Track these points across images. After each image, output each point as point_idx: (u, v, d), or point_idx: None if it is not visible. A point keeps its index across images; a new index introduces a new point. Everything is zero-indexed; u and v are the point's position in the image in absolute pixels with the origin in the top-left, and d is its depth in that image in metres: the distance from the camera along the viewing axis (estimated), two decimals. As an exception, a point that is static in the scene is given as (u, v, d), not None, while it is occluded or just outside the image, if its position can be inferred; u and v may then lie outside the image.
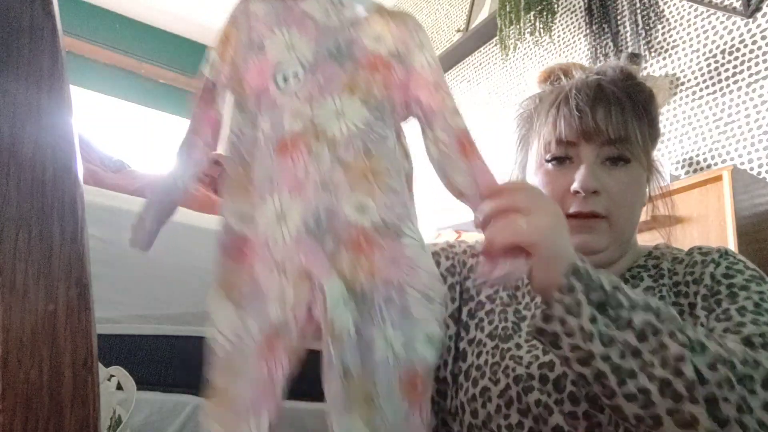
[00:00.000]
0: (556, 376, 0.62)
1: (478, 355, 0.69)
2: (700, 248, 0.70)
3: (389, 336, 0.45)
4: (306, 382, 0.79)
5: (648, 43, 1.89)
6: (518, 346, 0.67)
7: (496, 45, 2.44)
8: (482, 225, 0.52)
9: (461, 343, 0.71)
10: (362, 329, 0.45)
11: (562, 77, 0.76)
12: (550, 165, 0.70)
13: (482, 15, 2.62)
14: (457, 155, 0.56)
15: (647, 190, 0.73)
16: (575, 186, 0.65)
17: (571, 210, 0.66)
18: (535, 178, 0.72)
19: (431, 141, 0.57)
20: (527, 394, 0.63)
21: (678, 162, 1.72)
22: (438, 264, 0.75)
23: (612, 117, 0.66)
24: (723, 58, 1.66)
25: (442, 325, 0.46)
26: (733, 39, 1.64)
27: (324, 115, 0.54)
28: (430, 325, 0.46)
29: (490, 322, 0.71)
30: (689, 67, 1.75)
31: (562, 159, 0.69)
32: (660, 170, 0.74)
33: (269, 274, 0.47)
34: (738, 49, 1.63)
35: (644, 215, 0.72)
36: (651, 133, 0.71)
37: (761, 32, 1.58)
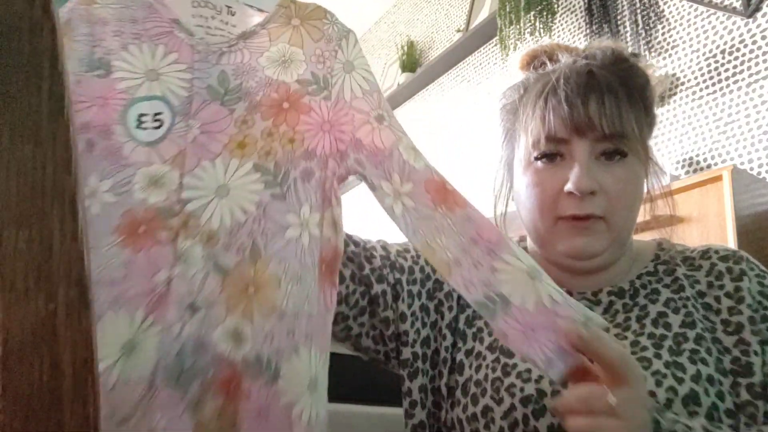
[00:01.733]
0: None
1: (477, 368, 0.62)
2: (716, 251, 0.64)
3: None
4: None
5: (648, 43, 1.89)
6: (524, 359, 0.59)
7: (496, 45, 2.44)
8: (564, 409, 0.43)
9: (458, 354, 0.65)
10: None
11: (547, 62, 0.68)
12: (539, 163, 0.63)
13: (482, 15, 2.62)
14: (432, 208, 0.44)
15: (646, 184, 0.67)
16: (570, 187, 0.59)
17: (567, 213, 0.60)
18: (523, 177, 0.65)
19: (390, 196, 0.44)
20: (538, 419, 0.55)
21: (678, 162, 1.72)
22: (432, 270, 0.69)
23: (606, 108, 0.59)
24: (723, 58, 1.66)
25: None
26: (733, 39, 1.64)
27: (199, 191, 0.39)
28: None
29: (490, 333, 0.64)
30: (689, 67, 1.75)
31: (552, 156, 0.62)
32: (657, 162, 0.68)
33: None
34: (738, 49, 1.63)
35: (643, 215, 0.67)
36: (647, 120, 0.65)
37: (761, 32, 1.58)
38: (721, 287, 0.61)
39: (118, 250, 0.36)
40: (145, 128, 0.39)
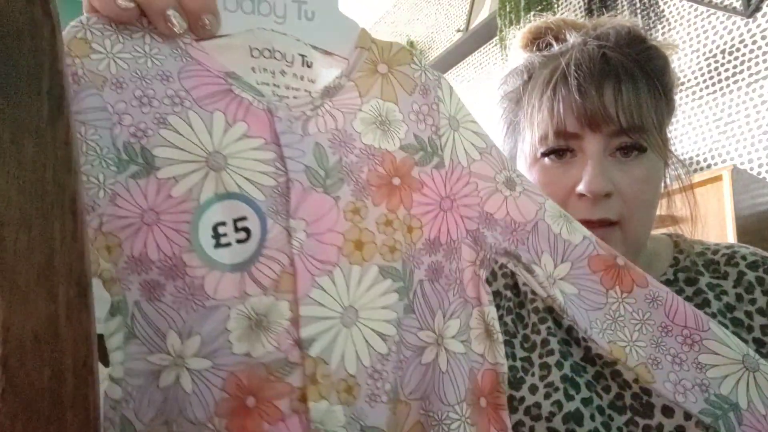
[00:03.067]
0: (587, 431, 0.49)
1: None
2: (743, 256, 0.57)
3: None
4: None
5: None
6: (533, 390, 0.52)
7: (496, 45, 2.44)
8: None
9: None
10: None
11: (554, 42, 0.60)
12: (546, 160, 0.56)
13: (482, 15, 2.62)
14: (602, 292, 0.33)
15: (664, 181, 0.59)
16: (582, 189, 0.52)
17: (578, 217, 0.51)
18: (528, 174, 0.57)
19: (546, 284, 0.33)
20: None
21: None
22: None
23: (623, 98, 0.52)
24: (723, 58, 1.66)
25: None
26: (733, 39, 1.64)
27: (323, 322, 0.27)
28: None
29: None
30: (689, 67, 1.75)
31: (561, 152, 0.55)
32: (676, 155, 0.60)
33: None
34: (738, 49, 1.63)
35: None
36: (667, 108, 0.58)
37: (761, 32, 1.58)
38: (753, 302, 0.54)
39: None
40: (226, 244, 0.26)
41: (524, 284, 0.62)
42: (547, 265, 0.34)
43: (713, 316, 0.54)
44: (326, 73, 0.32)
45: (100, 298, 0.25)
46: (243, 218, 0.26)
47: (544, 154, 0.56)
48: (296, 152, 0.28)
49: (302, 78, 0.31)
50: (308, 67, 0.31)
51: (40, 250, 0.23)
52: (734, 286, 0.56)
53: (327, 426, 0.26)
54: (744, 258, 0.57)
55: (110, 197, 0.26)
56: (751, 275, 0.56)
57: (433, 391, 0.29)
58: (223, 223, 0.27)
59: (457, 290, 0.32)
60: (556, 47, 0.60)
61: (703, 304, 0.55)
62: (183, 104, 0.27)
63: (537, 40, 0.63)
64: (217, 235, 0.26)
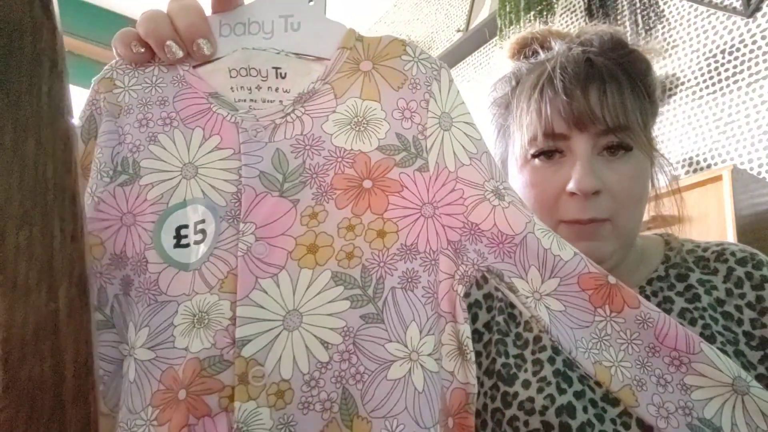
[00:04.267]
0: (579, 424, 0.50)
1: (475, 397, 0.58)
2: (732, 252, 0.59)
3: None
4: None
5: (648, 43, 1.89)
6: (526, 385, 0.54)
7: (496, 45, 2.44)
8: None
9: None
10: None
11: (540, 50, 0.62)
12: (536, 161, 0.57)
13: (482, 15, 2.62)
14: (590, 310, 0.32)
15: (651, 179, 0.61)
16: (572, 187, 0.53)
17: (569, 217, 0.55)
18: (519, 176, 0.59)
19: (531, 299, 0.32)
20: None
21: (678, 162, 1.72)
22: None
23: (608, 99, 0.54)
24: (723, 58, 1.66)
25: None
26: (733, 39, 1.64)
27: (260, 324, 0.27)
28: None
29: (487, 356, 0.58)
30: (689, 67, 1.75)
31: (550, 153, 0.57)
32: (662, 154, 0.62)
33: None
34: (738, 49, 1.63)
35: (646, 213, 0.62)
36: (651, 110, 0.59)
37: (761, 32, 1.58)
38: (742, 296, 0.56)
39: (154, 430, 0.25)
40: (185, 245, 0.28)
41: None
42: (534, 280, 0.32)
43: (704, 310, 0.56)
44: (301, 80, 0.33)
45: None
46: (202, 221, 0.28)
47: (534, 156, 0.57)
48: (254, 159, 0.30)
49: (277, 89, 0.33)
50: (282, 78, 0.33)
51: (40, 249, 0.23)
52: (724, 282, 0.58)
53: (251, 427, 0.25)
54: (733, 254, 0.59)
55: (95, 204, 0.29)
56: (740, 271, 0.57)
57: (405, 411, 0.27)
58: (186, 226, 0.29)
59: (433, 304, 0.30)
60: (542, 54, 0.62)
61: (694, 299, 0.57)
62: (172, 124, 0.31)
63: (523, 50, 0.65)
64: (178, 236, 0.29)
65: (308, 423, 0.26)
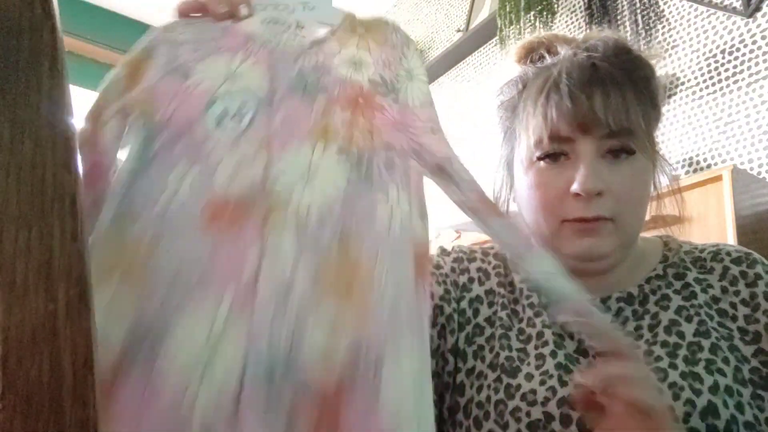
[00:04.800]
0: (580, 415, 0.52)
1: (479, 389, 0.58)
2: (728, 252, 0.62)
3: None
4: None
5: (648, 43, 1.89)
6: (528, 377, 0.56)
7: (496, 45, 2.44)
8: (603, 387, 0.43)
9: (459, 375, 0.61)
10: None
11: (546, 55, 0.64)
12: (541, 163, 0.60)
13: (482, 15, 2.62)
14: (487, 212, 0.44)
15: (653, 182, 0.63)
16: (576, 188, 0.56)
17: (573, 215, 0.57)
18: (524, 178, 0.62)
19: (461, 202, 0.45)
20: None
21: (678, 162, 1.72)
22: (432, 294, 0.64)
23: (611, 103, 0.56)
24: (723, 58, 1.66)
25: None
26: (733, 39, 1.64)
27: (285, 175, 0.37)
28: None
29: (491, 350, 0.61)
30: (689, 67, 1.75)
31: (555, 155, 0.59)
32: (664, 157, 0.64)
33: None
34: (738, 49, 1.63)
35: (648, 213, 0.64)
36: (654, 114, 0.61)
37: (761, 32, 1.58)
38: (737, 293, 0.58)
39: (201, 236, 0.33)
40: (225, 124, 0.39)
41: (520, 282, 0.66)
42: (456, 189, 0.45)
43: (699, 307, 0.58)
44: (315, 32, 0.46)
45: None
46: (242, 107, 0.39)
47: (539, 158, 0.60)
48: (283, 72, 0.42)
49: (296, 36, 0.46)
50: (301, 29, 0.46)
51: (39, 250, 0.23)
52: (719, 280, 0.60)
53: (277, 242, 0.35)
54: (729, 254, 0.62)
55: (158, 80, 0.40)
56: (735, 269, 0.60)
57: (385, 238, 0.38)
58: (228, 110, 0.39)
59: (406, 179, 0.42)
60: (548, 59, 0.64)
61: (690, 297, 0.59)
62: (218, 51, 0.43)
63: (530, 54, 0.68)
64: (222, 116, 0.39)
65: (319, 242, 0.35)
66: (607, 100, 0.56)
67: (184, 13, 0.47)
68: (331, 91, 0.42)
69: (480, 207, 0.44)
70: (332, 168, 0.38)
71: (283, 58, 0.43)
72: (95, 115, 0.38)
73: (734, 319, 0.57)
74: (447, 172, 0.43)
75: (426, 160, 0.43)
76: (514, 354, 0.59)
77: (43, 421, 0.21)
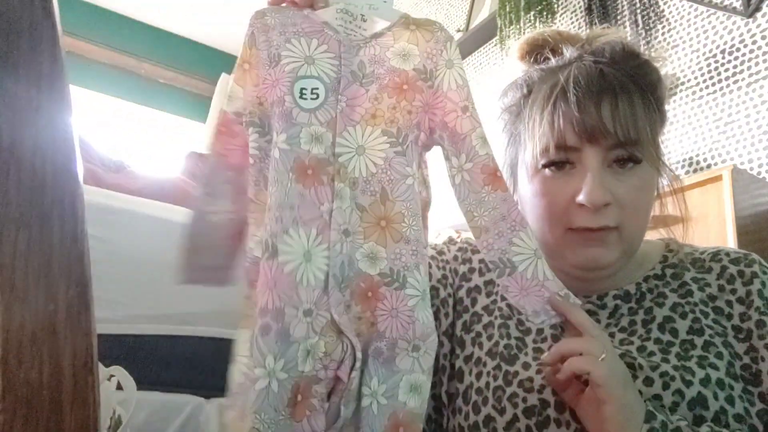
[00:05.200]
0: (558, 398, 0.55)
1: (478, 375, 0.60)
2: (727, 253, 0.62)
3: (374, 387, 0.47)
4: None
5: (648, 43, 1.89)
6: (526, 366, 0.58)
7: (496, 45, 2.44)
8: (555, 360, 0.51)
9: (457, 361, 0.63)
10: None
11: (550, 56, 0.64)
12: (547, 171, 0.60)
13: (482, 15, 2.62)
14: (481, 185, 0.53)
15: (656, 187, 0.63)
16: (582, 200, 0.56)
17: (579, 225, 0.57)
18: (530, 185, 0.62)
19: (455, 168, 0.54)
20: (541, 430, 0.54)
21: (678, 162, 1.72)
22: (429, 276, 0.65)
23: (620, 113, 0.56)
24: (723, 58, 1.66)
25: (428, 373, 0.48)
26: (733, 39, 1.64)
27: (346, 148, 0.51)
28: (414, 374, 0.47)
29: (489, 338, 0.62)
30: (689, 67, 1.75)
31: (561, 164, 0.59)
32: (668, 164, 0.64)
33: (295, 316, 0.46)
34: (738, 49, 1.63)
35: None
36: (660, 119, 0.61)
37: (761, 32, 1.58)
38: (733, 291, 0.59)
39: (294, 185, 0.48)
40: (305, 98, 0.51)
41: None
42: (461, 160, 0.54)
43: (695, 305, 0.59)
44: (375, 26, 0.56)
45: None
46: (316, 88, 0.51)
47: (544, 166, 0.60)
48: (347, 62, 0.53)
49: (359, 27, 0.56)
50: (364, 21, 0.56)
51: (39, 251, 0.22)
52: (717, 279, 0.61)
53: (341, 194, 0.49)
54: (727, 254, 0.62)
55: (261, 81, 0.53)
56: (733, 269, 0.60)
57: (412, 198, 0.52)
58: (306, 89, 0.51)
59: (419, 154, 0.55)
60: (553, 61, 0.63)
61: (687, 294, 0.60)
62: (299, 34, 0.53)
63: (534, 52, 0.67)
64: (302, 94, 0.51)
65: (364, 199, 0.50)
66: (616, 110, 0.56)
67: (273, 2, 0.57)
68: (382, 79, 0.53)
69: (478, 178, 0.53)
70: (378, 146, 0.51)
71: (348, 49, 0.53)
72: (236, 106, 0.53)
73: (729, 317, 0.58)
74: (459, 147, 0.53)
75: (444, 137, 0.54)
76: (513, 342, 0.61)
77: (43, 421, 0.21)
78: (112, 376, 0.59)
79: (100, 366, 0.49)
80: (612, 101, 0.56)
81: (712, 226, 1.27)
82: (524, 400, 0.56)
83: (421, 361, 0.48)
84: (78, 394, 0.22)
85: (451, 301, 0.66)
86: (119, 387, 0.60)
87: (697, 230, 1.30)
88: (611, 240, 0.57)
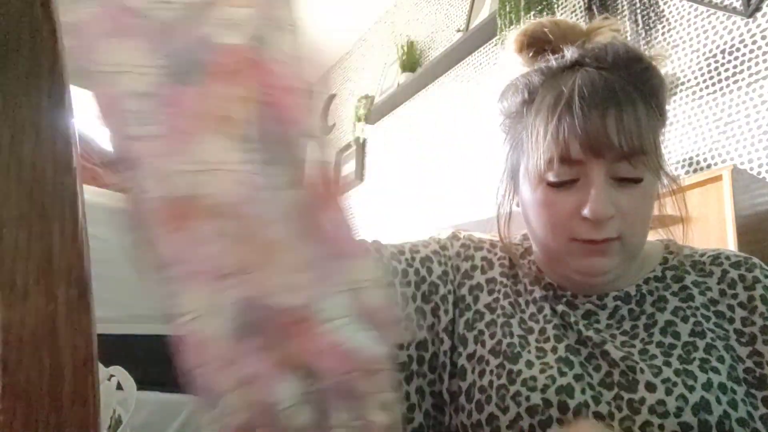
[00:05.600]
0: (576, 404, 0.55)
1: (481, 374, 0.61)
2: (727, 256, 0.63)
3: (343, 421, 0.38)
4: None
5: (648, 43, 1.89)
6: (529, 364, 0.59)
7: (496, 45, 2.44)
8: None
9: (459, 360, 0.63)
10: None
11: (551, 57, 0.63)
12: (550, 180, 0.59)
13: (482, 15, 2.62)
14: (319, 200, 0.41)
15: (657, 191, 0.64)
16: (587, 214, 0.56)
17: (582, 237, 0.57)
18: (532, 194, 0.61)
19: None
20: (544, 429, 0.55)
21: (678, 162, 1.72)
22: (430, 271, 0.66)
23: (624, 125, 0.56)
24: (723, 58, 1.66)
25: (393, 388, 0.42)
26: (733, 39, 1.64)
27: (187, 174, 0.36)
28: (381, 394, 0.40)
29: (492, 336, 0.62)
30: (689, 67, 1.75)
31: (568, 182, 0.58)
32: (668, 168, 0.64)
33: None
34: (738, 49, 1.63)
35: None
36: (661, 124, 0.61)
37: (761, 32, 1.58)
38: (735, 296, 0.60)
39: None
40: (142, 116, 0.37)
41: (524, 276, 0.68)
42: None
43: (696, 309, 0.60)
44: None
45: None
46: (140, 105, 0.35)
47: (551, 185, 0.59)
48: (166, 55, 0.37)
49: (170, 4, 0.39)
50: None
51: (38, 250, 0.23)
52: (718, 283, 0.61)
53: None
54: (728, 258, 0.63)
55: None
56: (733, 273, 0.61)
57: (281, 215, 0.38)
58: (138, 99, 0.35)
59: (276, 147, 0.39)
60: (553, 61, 0.62)
61: (688, 299, 0.61)
62: (110, 36, 0.35)
63: (532, 46, 0.67)
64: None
65: None
66: (621, 122, 0.56)
67: None
68: (209, 64, 0.38)
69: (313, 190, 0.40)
70: (225, 154, 0.36)
71: (166, 38, 0.37)
72: None
73: (731, 321, 0.59)
74: (294, 142, 0.40)
75: (282, 123, 0.40)
76: (516, 340, 0.61)
77: (43, 421, 0.21)
78: (112, 376, 0.59)
79: (100, 366, 0.49)
80: (617, 114, 0.56)
81: (712, 226, 1.27)
82: (527, 398, 0.56)
83: (384, 379, 0.39)
84: (78, 394, 0.22)
85: (451, 298, 0.66)
86: (119, 387, 0.59)
87: (697, 230, 1.30)
88: (613, 249, 0.58)
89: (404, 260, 0.66)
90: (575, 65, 0.61)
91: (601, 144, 0.56)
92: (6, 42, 0.24)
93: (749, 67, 1.59)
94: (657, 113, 0.60)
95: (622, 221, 0.57)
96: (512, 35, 0.68)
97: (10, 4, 0.24)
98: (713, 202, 1.28)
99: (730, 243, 1.21)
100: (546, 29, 0.66)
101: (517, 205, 0.68)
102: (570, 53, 0.62)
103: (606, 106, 0.56)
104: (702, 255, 0.65)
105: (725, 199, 1.25)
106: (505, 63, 0.69)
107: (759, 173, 1.51)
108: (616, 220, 0.57)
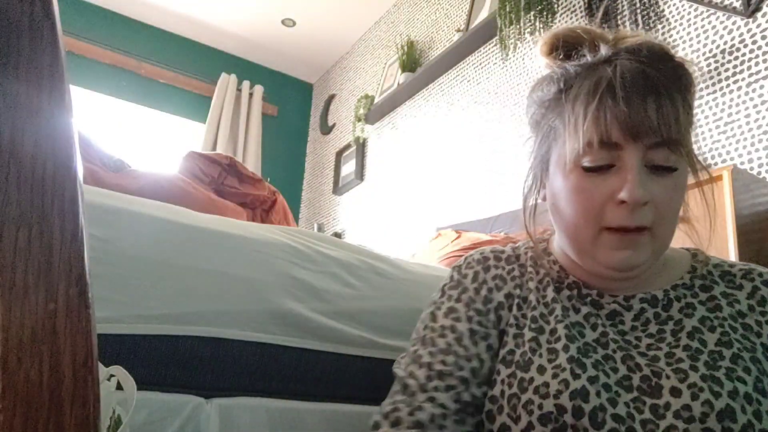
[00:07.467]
0: (592, 407, 0.53)
1: (492, 384, 0.61)
2: (760, 273, 0.63)
3: None
4: (306, 382, 0.79)
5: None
6: (541, 370, 0.57)
7: (496, 45, 2.44)
8: None
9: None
10: None
11: (586, 54, 0.63)
12: (585, 165, 0.59)
13: (482, 15, 2.62)
14: None
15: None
16: (624, 196, 0.55)
17: (616, 223, 0.57)
18: (565, 180, 0.61)
19: None
20: None
21: (678, 162, 1.72)
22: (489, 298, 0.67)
23: (664, 112, 0.56)
24: (723, 58, 1.66)
25: None
26: (733, 39, 1.64)
27: None
28: None
29: (503, 345, 0.63)
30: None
31: (605, 167, 0.58)
32: (701, 161, 0.63)
33: None
34: (738, 49, 1.63)
35: None
36: (691, 120, 0.62)
37: (761, 32, 1.58)
38: (764, 314, 0.60)
39: None
40: None
41: (528, 280, 0.67)
42: None
43: (724, 319, 0.59)
44: None
45: None
46: None
47: (587, 170, 0.58)
48: None
49: None
50: None
51: (39, 249, 0.23)
52: (748, 298, 0.61)
53: None
54: (761, 275, 0.62)
55: None
56: (765, 291, 0.61)
57: None
58: None
59: None
60: (588, 57, 0.62)
61: (715, 309, 0.60)
62: None
63: (564, 48, 0.66)
64: None
65: None
66: (660, 109, 0.56)
67: None
68: None
69: None
70: None
71: None
72: None
73: (759, 335, 0.58)
74: None
75: None
76: (527, 347, 0.61)
77: (43, 420, 0.21)
78: (112, 376, 0.59)
79: (100, 366, 0.49)
80: (656, 100, 0.56)
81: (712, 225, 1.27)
82: (540, 406, 0.55)
83: None
84: (78, 394, 0.22)
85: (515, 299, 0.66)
86: (119, 387, 0.59)
87: (698, 230, 1.30)
88: (643, 242, 0.58)
89: (464, 317, 0.65)
90: (611, 58, 0.61)
91: (641, 128, 0.55)
92: (6, 42, 0.24)
93: (749, 67, 1.59)
94: (689, 108, 0.60)
95: (656, 211, 0.57)
96: (543, 38, 0.69)
97: (10, 4, 0.24)
98: (713, 202, 1.28)
99: (730, 243, 1.21)
100: (581, 32, 0.66)
101: (543, 199, 0.67)
102: (605, 50, 0.62)
103: (646, 93, 0.56)
104: (732, 266, 0.65)
105: (725, 199, 1.25)
106: (534, 63, 0.71)
107: (759, 173, 1.51)
108: (649, 208, 0.56)
